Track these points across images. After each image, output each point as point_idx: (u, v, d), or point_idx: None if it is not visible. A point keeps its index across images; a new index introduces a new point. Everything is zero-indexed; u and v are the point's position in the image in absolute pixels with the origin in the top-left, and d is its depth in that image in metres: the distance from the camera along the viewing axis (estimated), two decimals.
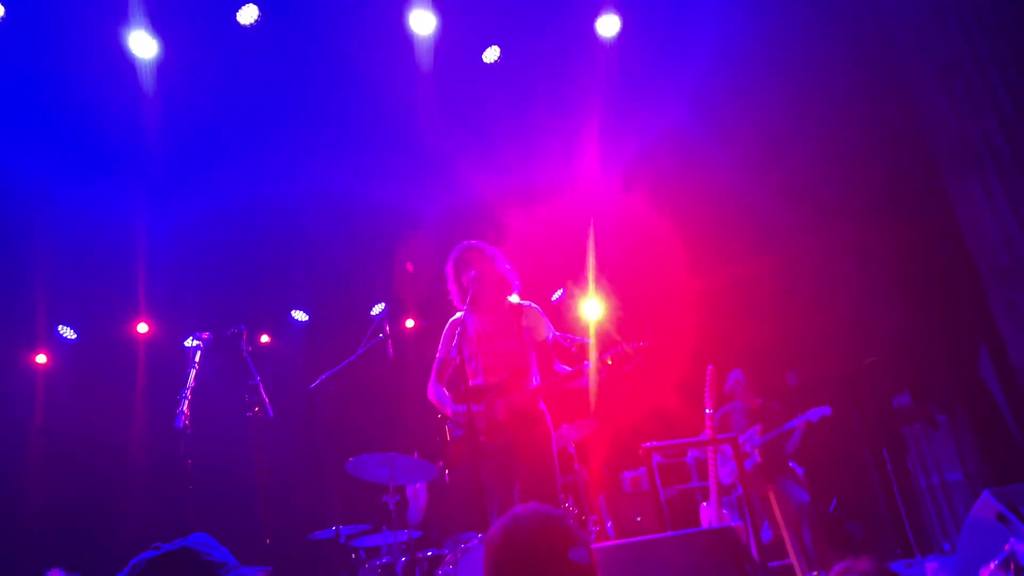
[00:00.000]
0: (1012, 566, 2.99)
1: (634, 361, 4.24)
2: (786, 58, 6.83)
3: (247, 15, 6.22)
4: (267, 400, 4.32)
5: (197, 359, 4.11)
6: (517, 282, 4.80)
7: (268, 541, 4.24)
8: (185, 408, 3.81)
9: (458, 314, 4.68)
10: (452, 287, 4.76)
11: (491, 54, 7.02)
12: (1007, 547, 3.09)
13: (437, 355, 4.80)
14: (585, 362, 4.34)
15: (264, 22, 6.22)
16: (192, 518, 3.32)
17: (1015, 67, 6.16)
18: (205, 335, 4.24)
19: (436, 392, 4.68)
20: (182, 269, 7.60)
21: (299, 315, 8.67)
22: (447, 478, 4.94)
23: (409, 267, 7.94)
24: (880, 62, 6.76)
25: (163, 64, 5.99)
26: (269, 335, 8.51)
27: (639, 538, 3.36)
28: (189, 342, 4.35)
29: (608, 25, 6.66)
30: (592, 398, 4.65)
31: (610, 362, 4.25)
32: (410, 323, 8.82)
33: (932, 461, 6.87)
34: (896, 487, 6.79)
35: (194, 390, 4.00)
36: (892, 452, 6.97)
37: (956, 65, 6.31)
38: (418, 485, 6.16)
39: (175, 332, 7.82)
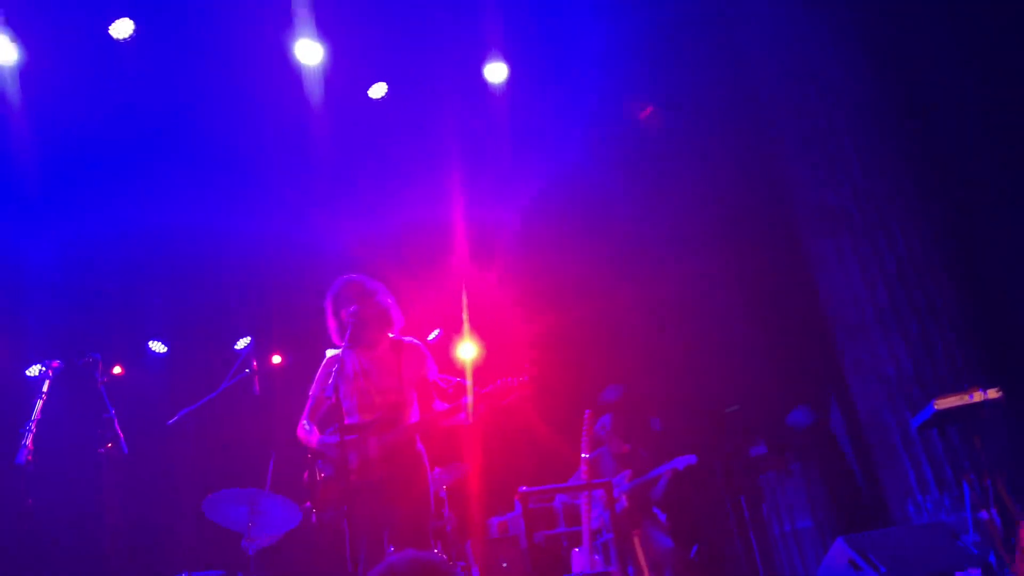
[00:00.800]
0: None
1: (512, 395, 4.24)
2: (668, 108, 7.14)
3: (121, 29, 5.92)
4: (121, 435, 4.02)
5: (45, 389, 3.78)
6: (399, 317, 4.69)
7: None
8: (28, 442, 3.48)
9: (334, 351, 4.53)
10: (331, 322, 4.59)
11: (378, 90, 7.00)
12: None
13: (310, 392, 4.60)
14: (464, 397, 4.27)
15: (140, 38, 5.94)
16: (32, 563, 3.02)
17: (865, 138, 6.69)
18: (55, 363, 3.91)
19: (305, 430, 4.47)
20: (28, 291, 7.05)
21: (157, 346, 8.18)
22: (314, 519, 4.72)
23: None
24: (751, 122, 7.18)
25: (27, 72, 5.61)
26: (122, 366, 7.98)
27: None
28: (34, 370, 4.02)
29: (496, 72, 6.77)
30: (466, 438, 4.61)
31: (487, 394, 4.24)
32: (277, 359, 8.50)
33: (785, 509, 7.19)
34: (752, 534, 7.04)
35: (39, 423, 3.67)
36: (749, 500, 7.24)
37: (817, 135, 6.79)
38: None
39: (17, 360, 7.19)
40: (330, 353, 4.60)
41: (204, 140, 6.79)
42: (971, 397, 4.76)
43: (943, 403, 4.83)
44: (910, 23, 6.86)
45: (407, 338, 4.66)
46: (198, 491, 5.12)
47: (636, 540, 6.18)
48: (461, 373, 6.20)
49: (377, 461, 4.24)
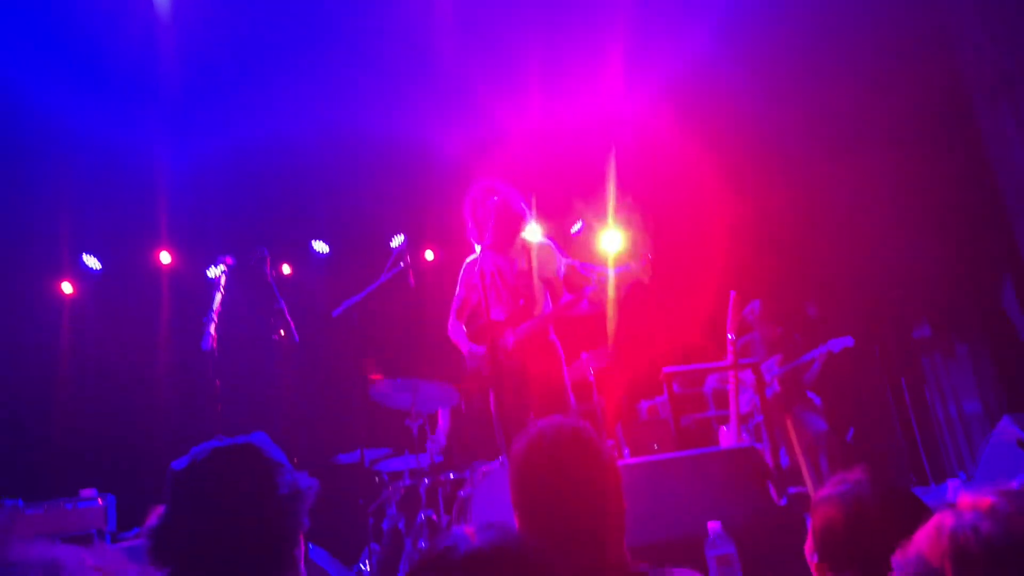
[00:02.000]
0: None
1: (630, 280, 4.34)
2: None
3: None
4: (292, 324, 4.38)
5: (222, 282, 4.16)
6: (531, 216, 4.87)
7: (295, 460, 4.33)
8: (212, 330, 3.87)
9: (474, 254, 4.80)
10: (469, 225, 4.85)
11: None
12: None
13: (456, 294, 4.94)
14: (586, 287, 4.42)
15: None
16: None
17: None
18: (229, 259, 4.28)
19: (454, 330, 4.91)
20: (202, 201, 7.61)
21: (320, 246, 8.69)
22: (463, 408, 5.08)
23: None
24: None
25: None
26: (291, 266, 8.55)
27: (663, 455, 3.41)
28: (212, 271, 4.41)
29: None
30: (609, 324, 4.74)
31: (606, 279, 4.35)
32: (430, 255, 8.84)
33: (950, 391, 6.89)
34: (913, 417, 6.82)
35: (220, 314, 4.05)
36: (910, 383, 6.98)
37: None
38: (441, 414, 6.26)
39: (197, 262, 7.87)
40: (470, 257, 4.90)
41: (351, 45, 6.94)
42: None
43: None
44: None
45: (540, 238, 4.82)
46: (363, 377, 5.53)
47: (789, 423, 6.14)
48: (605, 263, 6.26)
49: (512, 353, 4.58)
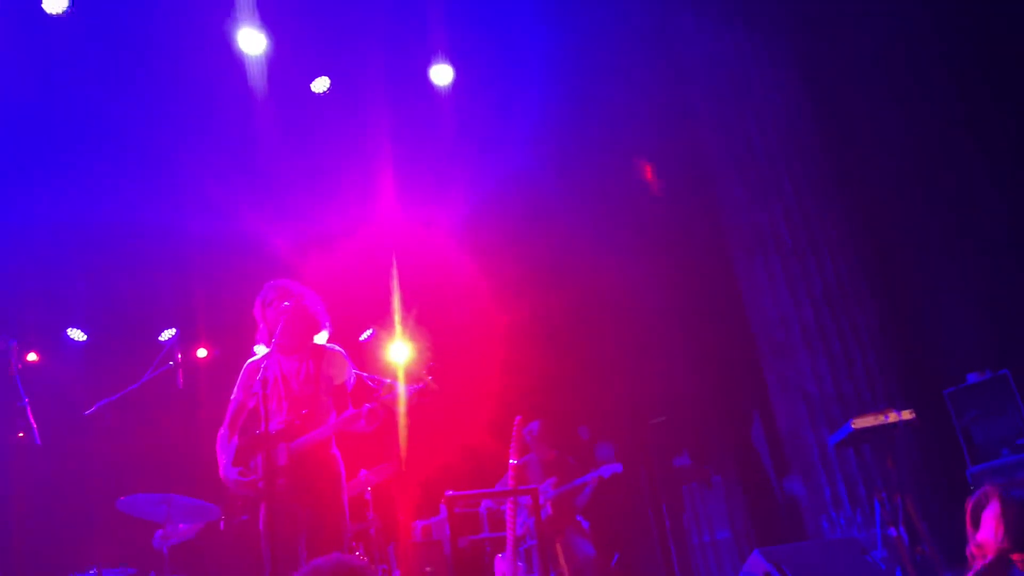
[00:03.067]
0: None
1: (412, 400, 4.24)
2: (602, 124, 7.23)
3: (54, 4, 5.72)
4: (35, 425, 3.87)
5: None
6: (326, 322, 4.66)
7: None
8: None
9: (257, 355, 4.49)
10: (260, 326, 4.56)
11: (320, 84, 6.92)
12: None
13: (231, 397, 4.55)
14: (365, 404, 4.25)
15: (73, 17, 5.75)
16: None
17: (799, 162, 6.90)
18: None
19: (221, 443, 4.42)
20: None
21: (76, 334, 7.88)
22: (222, 525, 4.65)
23: None
24: (687, 138, 7.32)
25: None
26: (38, 353, 7.66)
27: None
28: None
29: (442, 74, 6.76)
30: (401, 440, 4.59)
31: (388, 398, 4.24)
32: (202, 352, 8.30)
33: (705, 519, 7.34)
34: (672, 544, 7.17)
35: None
36: (671, 510, 7.37)
37: (751, 155, 6.96)
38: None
39: None
40: (252, 359, 4.55)
41: (133, 130, 6.60)
42: (886, 417, 4.94)
43: (860, 423, 5.00)
44: (845, 52, 7.10)
45: (330, 345, 4.61)
46: (114, 486, 4.98)
47: (559, 547, 6.22)
48: (393, 374, 6.17)
49: (285, 468, 4.20)
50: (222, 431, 4.44)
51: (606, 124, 7.43)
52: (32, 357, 7.55)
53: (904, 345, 6.65)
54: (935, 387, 6.13)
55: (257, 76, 6.26)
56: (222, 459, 4.33)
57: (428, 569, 6.63)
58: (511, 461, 4.89)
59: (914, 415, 4.96)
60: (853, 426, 5.03)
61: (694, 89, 7.29)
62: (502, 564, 5.41)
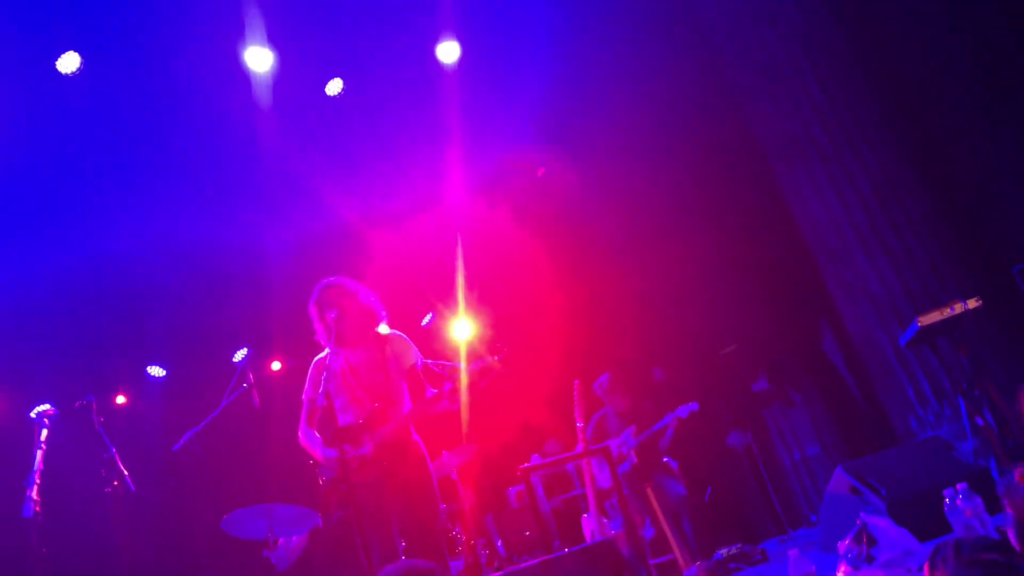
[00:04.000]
0: (864, 538, 3.21)
1: (488, 375, 4.27)
2: (620, 75, 7.12)
3: (68, 64, 5.90)
4: (125, 473, 4.08)
5: (43, 438, 3.83)
6: (383, 313, 4.72)
7: None
8: (34, 494, 3.54)
9: (323, 352, 4.58)
10: (317, 327, 4.65)
11: (334, 86, 6.98)
12: (858, 521, 3.32)
13: (304, 398, 4.66)
14: (446, 383, 4.30)
15: (88, 69, 5.92)
16: None
17: (824, 62, 6.68)
18: (50, 411, 3.96)
19: (306, 437, 4.53)
20: (22, 337, 7.07)
21: (155, 371, 8.22)
22: (319, 522, 4.81)
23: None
24: (709, 71, 7.16)
25: None
26: (125, 395, 8.02)
27: (517, 567, 3.39)
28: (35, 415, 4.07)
29: (448, 52, 6.74)
30: (464, 419, 4.64)
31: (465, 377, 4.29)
32: (276, 365, 8.56)
33: (792, 439, 7.30)
34: (763, 468, 7.16)
35: (44, 472, 3.73)
36: (756, 435, 7.35)
37: (775, 68, 6.77)
38: (293, 539, 5.94)
39: (23, 407, 7.24)
40: (319, 356, 4.65)
41: (161, 154, 6.78)
42: (952, 310, 4.80)
43: (925, 319, 4.88)
44: None
45: (391, 331, 4.69)
46: (212, 510, 5.20)
47: (650, 491, 6.29)
48: (456, 355, 6.27)
49: (373, 459, 4.27)
50: (302, 429, 4.53)
51: (621, 62, 7.30)
52: (120, 400, 7.90)
53: (966, 231, 6.43)
54: (1005, 267, 5.92)
55: (266, 90, 6.37)
56: (315, 449, 4.42)
57: (527, 532, 6.80)
58: (578, 424, 4.95)
59: (980, 302, 4.80)
60: (919, 324, 4.92)
61: (710, 15, 7.10)
62: (589, 522, 5.50)
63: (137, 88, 6.25)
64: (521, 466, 4.48)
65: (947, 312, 4.85)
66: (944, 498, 3.29)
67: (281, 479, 6.55)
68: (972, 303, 4.80)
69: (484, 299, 7.71)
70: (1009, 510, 2.23)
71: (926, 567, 2.01)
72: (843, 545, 3.35)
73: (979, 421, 5.11)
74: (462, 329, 7.64)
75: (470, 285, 7.81)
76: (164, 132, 6.62)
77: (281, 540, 5.90)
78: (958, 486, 3.22)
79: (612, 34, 7.12)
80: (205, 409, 5.06)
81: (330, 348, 4.42)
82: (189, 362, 8.18)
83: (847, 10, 6.82)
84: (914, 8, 6.58)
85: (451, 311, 7.80)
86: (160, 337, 8.09)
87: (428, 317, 8.23)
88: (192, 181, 7.06)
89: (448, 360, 4.78)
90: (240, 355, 8.02)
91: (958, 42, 6.41)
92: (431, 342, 7.53)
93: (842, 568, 3.28)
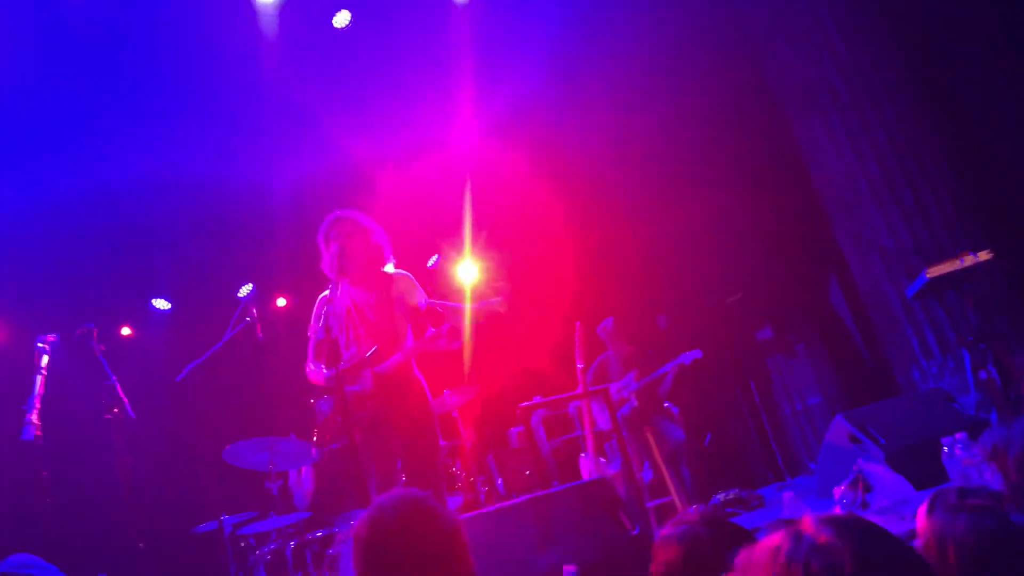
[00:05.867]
0: (860, 485, 3.22)
1: (486, 313, 4.29)
2: (636, 17, 6.96)
3: None
4: (126, 400, 4.10)
5: (44, 364, 3.85)
6: (390, 251, 4.71)
7: (141, 545, 4.06)
8: (34, 418, 3.57)
9: (326, 291, 4.58)
10: (324, 259, 4.63)
11: (342, 18, 6.84)
12: (855, 468, 3.32)
13: (309, 333, 4.68)
14: (445, 323, 4.31)
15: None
16: (55, 532, 3.14)
17: (845, 13, 6.50)
18: (51, 337, 3.98)
19: (315, 373, 4.57)
20: (27, 267, 7.09)
21: (161, 303, 8.24)
22: (315, 454, 4.86)
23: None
24: (726, 16, 6.98)
25: None
26: (131, 327, 8.07)
27: (511, 501, 3.42)
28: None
29: None
30: (466, 359, 4.66)
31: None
32: (281, 302, 8.57)
33: (794, 389, 7.31)
34: (764, 416, 7.18)
35: (46, 397, 3.75)
36: (758, 384, 7.36)
37: (795, 14, 6.60)
38: (303, 470, 6.05)
39: (29, 335, 7.29)
40: (323, 293, 4.65)
41: (167, 85, 6.69)
42: (962, 262, 4.76)
43: (935, 271, 4.84)
44: None
45: (397, 271, 4.67)
46: (214, 441, 5.26)
47: (649, 435, 6.32)
48: (461, 297, 6.25)
49: (372, 394, 4.32)
50: (308, 362, 4.56)
51: (637, 3, 7.13)
52: (125, 332, 7.95)
53: (983, 186, 6.32)
54: (1018, 224, 5.85)
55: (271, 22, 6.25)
56: (318, 373, 4.45)
57: (527, 472, 6.87)
58: (578, 366, 4.95)
59: (992, 255, 4.75)
60: (928, 275, 4.87)
61: None
62: (586, 462, 5.54)
63: (144, 17, 6.14)
64: (520, 404, 4.50)
65: (957, 264, 4.81)
66: (943, 447, 3.28)
67: (283, 412, 6.62)
68: (983, 255, 4.74)
69: (491, 242, 7.65)
70: (1010, 459, 2.20)
71: (921, 513, 1.99)
72: (839, 491, 3.36)
73: (983, 375, 5.10)
74: (468, 271, 7.62)
75: (477, 227, 7.75)
76: (169, 63, 6.52)
77: (292, 479, 6.00)
78: (957, 436, 3.21)
79: None
80: (210, 343, 5.07)
81: (332, 279, 4.41)
82: (194, 296, 8.20)
83: None
84: None
85: (457, 253, 7.76)
86: (166, 271, 8.11)
87: (434, 258, 8.18)
88: (198, 114, 6.98)
89: (452, 303, 4.78)
90: (245, 290, 8.01)
91: None
92: (436, 283, 7.51)
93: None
